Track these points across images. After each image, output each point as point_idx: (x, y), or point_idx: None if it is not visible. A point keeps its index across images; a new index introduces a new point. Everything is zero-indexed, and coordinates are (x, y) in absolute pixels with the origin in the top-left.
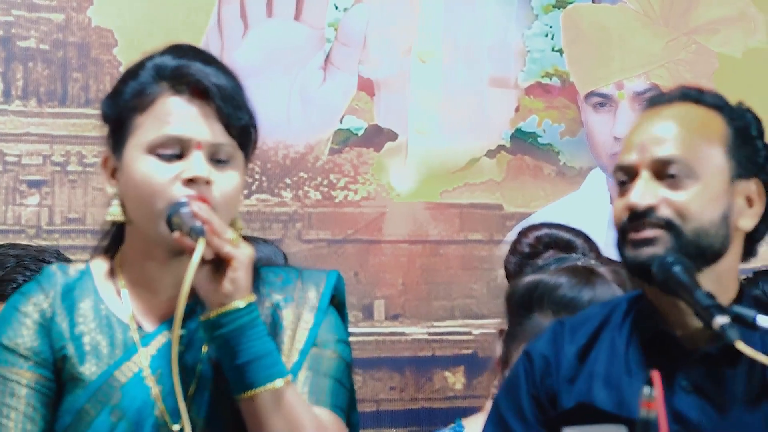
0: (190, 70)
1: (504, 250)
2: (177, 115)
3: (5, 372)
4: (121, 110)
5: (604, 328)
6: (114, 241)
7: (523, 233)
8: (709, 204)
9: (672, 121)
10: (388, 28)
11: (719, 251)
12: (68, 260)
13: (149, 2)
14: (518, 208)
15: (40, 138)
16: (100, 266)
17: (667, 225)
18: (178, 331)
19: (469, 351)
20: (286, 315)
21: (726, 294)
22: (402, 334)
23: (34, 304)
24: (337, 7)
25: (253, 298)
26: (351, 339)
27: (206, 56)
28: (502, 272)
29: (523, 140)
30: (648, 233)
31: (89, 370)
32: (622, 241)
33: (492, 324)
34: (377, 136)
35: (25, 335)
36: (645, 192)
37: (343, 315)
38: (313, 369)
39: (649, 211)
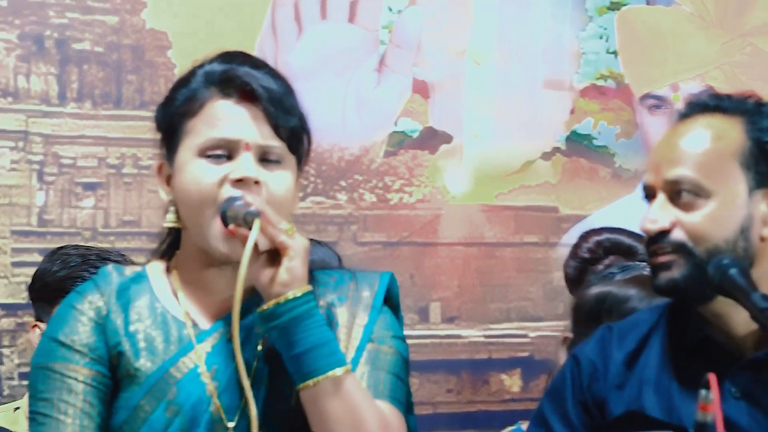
0: (237, 73)
1: (560, 252)
2: (225, 118)
3: (62, 368)
4: (172, 116)
5: (652, 333)
6: (171, 245)
7: (583, 238)
8: (724, 222)
9: (684, 139)
10: (442, 30)
11: None
12: (132, 263)
13: (203, 5)
14: (573, 210)
15: (95, 140)
16: (156, 268)
17: (681, 248)
18: (238, 309)
19: (525, 354)
20: (341, 313)
21: None
22: (458, 336)
23: (89, 302)
24: (391, 9)
25: (309, 288)
26: (407, 341)
27: (255, 61)
28: (558, 275)
29: (578, 142)
30: (662, 258)
31: (144, 366)
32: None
33: (548, 326)
34: (432, 139)
35: (81, 332)
36: (658, 215)
37: (398, 316)
38: (370, 364)
39: (662, 235)
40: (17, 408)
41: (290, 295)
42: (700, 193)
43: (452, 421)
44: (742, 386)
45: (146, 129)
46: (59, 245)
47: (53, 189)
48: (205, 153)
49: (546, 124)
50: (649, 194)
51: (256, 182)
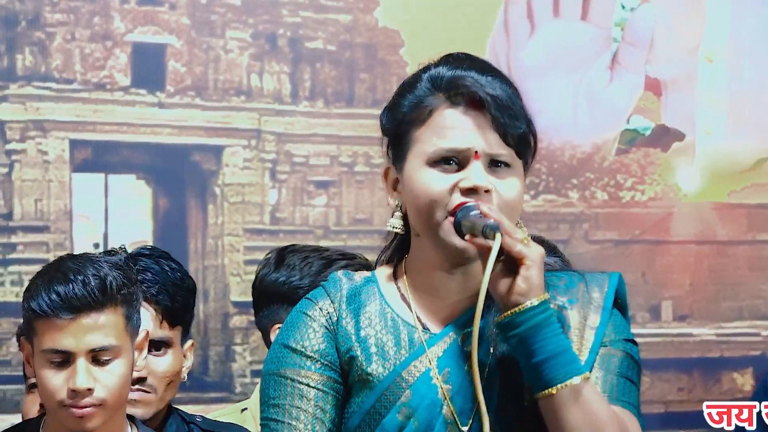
0: (465, 82)
1: None
2: (454, 127)
3: (294, 374)
4: (400, 123)
5: None
6: (396, 250)
7: None
8: None
9: None
10: (674, 28)
11: None
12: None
13: (436, 3)
14: None
15: (327, 139)
16: (384, 273)
17: None
18: (477, 324)
19: (758, 352)
20: (572, 316)
21: None
22: (690, 335)
23: (320, 309)
24: (623, 7)
25: (546, 296)
26: (638, 340)
27: (481, 65)
28: None
29: None
30: None
31: (376, 370)
32: None
33: None
34: (664, 136)
35: (312, 338)
36: None
37: (626, 317)
38: (604, 368)
39: None
40: (245, 409)
41: (528, 304)
42: None
43: (683, 419)
44: None
45: (378, 127)
46: (291, 243)
47: (285, 187)
48: (433, 163)
49: None
50: None
51: (487, 191)
